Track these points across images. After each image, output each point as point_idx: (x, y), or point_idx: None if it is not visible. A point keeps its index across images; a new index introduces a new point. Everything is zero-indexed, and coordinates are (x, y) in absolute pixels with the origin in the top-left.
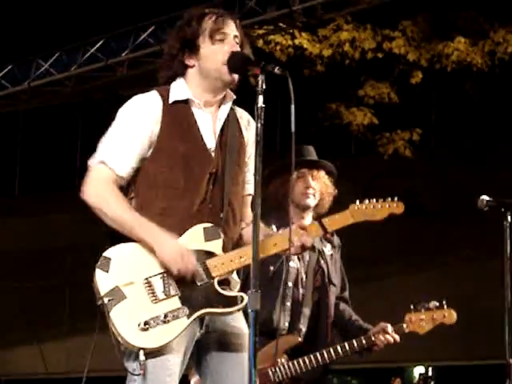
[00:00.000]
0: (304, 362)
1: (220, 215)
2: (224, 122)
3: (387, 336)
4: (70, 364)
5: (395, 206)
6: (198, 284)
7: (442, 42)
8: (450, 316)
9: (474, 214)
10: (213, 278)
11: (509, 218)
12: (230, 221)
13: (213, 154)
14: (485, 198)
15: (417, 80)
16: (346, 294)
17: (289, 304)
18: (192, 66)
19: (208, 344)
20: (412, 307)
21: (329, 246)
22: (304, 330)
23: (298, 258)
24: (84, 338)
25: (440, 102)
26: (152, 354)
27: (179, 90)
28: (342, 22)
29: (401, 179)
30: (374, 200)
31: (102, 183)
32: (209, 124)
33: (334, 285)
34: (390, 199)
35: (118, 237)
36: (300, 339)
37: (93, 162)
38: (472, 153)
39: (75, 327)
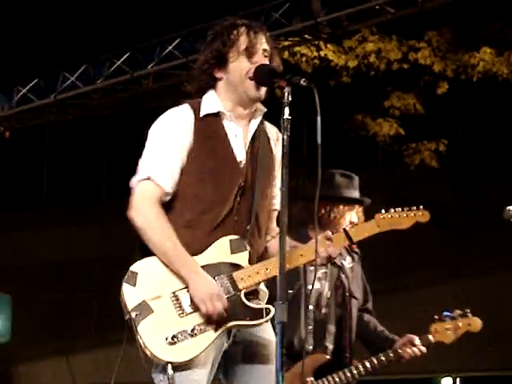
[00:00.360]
0: (333, 380)
1: (246, 227)
2: (254, 135)
3: (414, 348)
4: (97, 376)
5: (420, 215)
6: (225, 296)
7: (468, 52)
8: (475, 324)
9: (499, 225)
10: (239, 291)
11: None
12: (256, 234)
13: (243, 168)
14: (510, 208)
15: (443, 91)
16: (369, 304)
17: (311, 327)
18: (220, 79)
19: (235, 355)
20: (436, 317)
21: (349, 258)
22: (331, 347)
23: (319, 279)
24: (111, 350)
25: (466, 112)
26: (180, 367)
27: (210, 102)
28: (367, 33)
29: (427, 190)
30: (400, 209)
31: (150, 204)
32: (240, 137)
33: (356, 298)
34: (415, 208)
35: (147, 248)
36: (328, 357)
37: (138, 178)
38: (498, 164)
39: (103, 339)
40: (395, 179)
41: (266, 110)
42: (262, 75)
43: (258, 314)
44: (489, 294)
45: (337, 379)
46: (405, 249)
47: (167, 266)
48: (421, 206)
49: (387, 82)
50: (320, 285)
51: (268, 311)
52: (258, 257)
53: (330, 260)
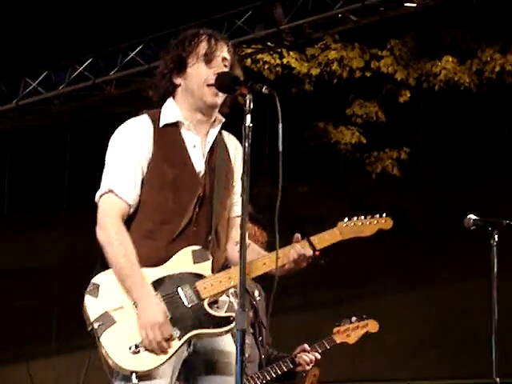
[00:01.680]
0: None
1: (208, 238)
2: (212, 145)
3: (309, 355)
4: (58, 383)
5: (383, 222)
6: (189, 306)
7: (430, 61)
8: (373, 325)
9: (461, 232)
10: (202, 300)
11: (495, 236)
12: (216, 244)
13: (201, 178)
14: (471, 217)
15: (405, 99)
16: (270, 340)
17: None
18: (179, 85)
19: (196, 363)
20: (336, 324)
21: (256, 292)
22: (246, 355)
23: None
24: (72, 357)
25: (428, 120)
26: (143, 377)
27: (169, 112)
28: (330, 40)
29: (389, 198)
30: (362, 216)
31: (111, 220)
32: (198, 147)
33: (265, 327)
34: (377, 215)
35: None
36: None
37: (100, 192)
38: (459, 171)
39: (64, 346)
40: (357, 187)
41: (224, 120)
42: (223, 82)
43: (221, 322)
44: (451, 302)
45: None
46: (367, 256)
47: None
48: (384, 214)
49: (349, 90)
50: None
51: (231, 320)
52: (219, 266)
53: (295, 268)
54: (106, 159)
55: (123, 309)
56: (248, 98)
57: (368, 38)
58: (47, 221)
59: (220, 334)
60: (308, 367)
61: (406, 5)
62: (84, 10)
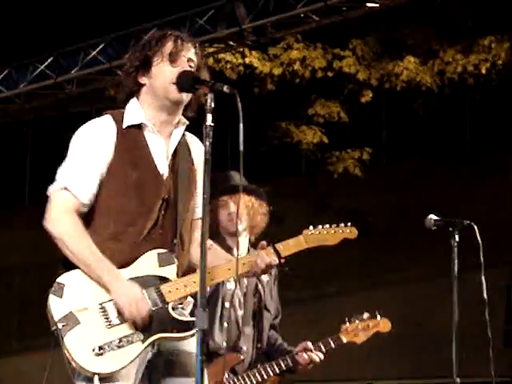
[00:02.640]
0: (245, 380)
1: (173, 241)
2: (176, 147)
3: (310, 353)
4: (18, 381)
5: (348, 232)
6: (153, 309)
7: (392, 61)
8: (385, 324)
9: (422, 233)
10: (167, 303)
11: (456, 237)
12: (181, 246)
13: (165, 180)
14: (432, 217)
15: (367, 99)
16: (277, 320)
17: (226, 324)
18: (144, 85)
19: (159, 365)
20: (346, 319)
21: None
22: (245, 348)
23: (234, 280)
24: (34, 357)
25: (390, 121)
26: (105, 379)
27: (133, 113)
28: (292, 40)
29: (350, 198)
30: (327, 225)
31: (66, 213)
32: (162, 149)
33: (269, 311)
34: (342, 224)
35: (70, 263)
36: (242, 357)
37: (54, 188)
38: (421, 171)
39: (25, 346)
40: (319, 187)
41: (188, 122)
42: (184, 81)
43: (185, 326)
44: (413, 303)
45: (246, 379)
46: (328, 257)
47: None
48: (349, 223)
49: (311, 90)
50: (234, 285)
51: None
52: (183, 269)
53: (263, 272)
54: (66, 158)
55: (88, 310)
56: (209, 97)
57: (330, 38)
58: (8, 219)
59: (184, 338)
60: (308, 367)
61: (368, 5)
62: (45, 9)
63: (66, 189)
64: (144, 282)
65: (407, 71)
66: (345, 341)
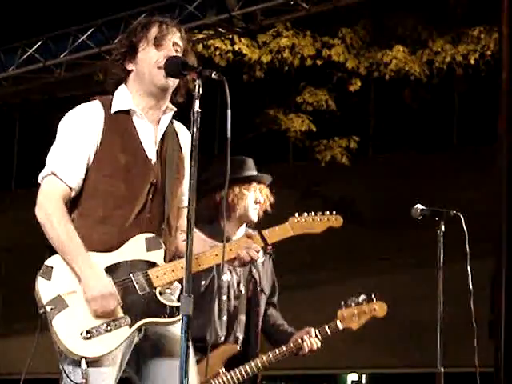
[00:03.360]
0: (241, 372)
1: (161, 226)
2: (164, 134)
3: (312, 340)
4: (4, 365)
5: (334, 220)
6: (140, 294)
7: (381, 50)
8: (381, 308)
9: (410, 221)
10: (154, 288)
11: (442, 226)
12: (168, 232)
13: (153, 165)
14: (419, 206)
15: (355, 88)
16: (275, 299)
17: (225, 318)
18: (131, 71)
19: (146, 349)
20: (342, 303)
21: (261, 253)
22: (241, 337)
23: (230, 271)
24: (19, 339)
25: (378, 110)
26: (92, 363)
27: (121, 99)
28: (281, 28)
29: (338, 186)
30: (313, 213)
31: (51, 199)
32: (150, 134)
33: (265, 293)
34: (328, 212)
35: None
36: (238, 347)
37: (43, 173)
38: (409, 161)
39: (9, 328)
40: (306, 175)
41: (176, 109)
42: (172, 67)
43: (172, 311)
44: (399, 291)
45: (243, 371)
46: (315, 245)
47: None
48: (334, 212)
49: (300, 78)
50: (230, 276)
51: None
52: (171, 255)
53: (250, 262)
54: (54, 143)
55: (76, 293)
56: (197, 83)
57: (320, 26)
58: None
59: (171, 323)
60: (309, 353)
61: None
62: None
63: (53, 174)
64: (131, 266)
65: (396, 60)
66: (341, 327)
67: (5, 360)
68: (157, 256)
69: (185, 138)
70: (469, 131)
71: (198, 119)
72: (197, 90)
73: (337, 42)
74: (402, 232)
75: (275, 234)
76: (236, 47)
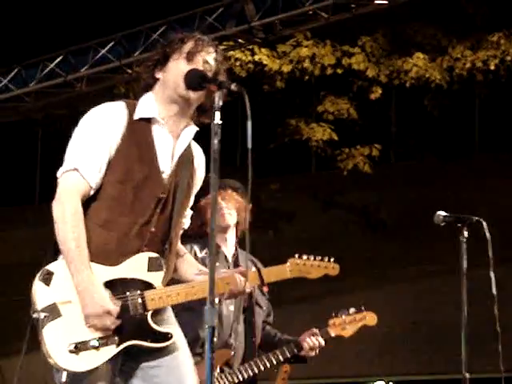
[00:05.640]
0: (240, 372)
1: (164, 244)
2: (183, 151)
3: (313, 338)
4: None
5: (331, 268)
6: (132, 314)
7: (401, 57)
8: (371, 318)
9: (433, 229)
10: (147, 311)
11: (465, 233)
12: (169, 251)
13: (165, 179)
14: (441, 213)
15: (376, 96)
16: (271, 318)
17: (216, 321)
18: (159, 79)
19: (139, 353)
20: (333, 314)
21: (253, 269)
22: (235, 344)
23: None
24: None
25: (399, 117)
26: (76, 376)
27: (146, 106)
28: (301, 37)
29: (360, 194)
30: (312, 258)
31: (71, 198)
32: (168, 147)
33: (261, 307)
34: (327, 259)
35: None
36: (232, 353)
37: (65, 168)
38: (430, 168)
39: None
40: (329, 184)
41: (198, 129)
42: (191, 78)
43: (160, 337)
44: (421, 299)
45: (243, 371)
46: (339, 254)
47: None
48: (332, 259)
49: (321, 87)
50: None
51: (170, 337)
52: (169, 276)
53: (236, 297)
54: (74, 135)
55: (71, 303)
56: (217, 95)
57: (339, 35)
58: (19, 217)
59: (156, 349)
60: (312, 353)
61: (376, 2)
62: (55, 7)
63: (76, 170)
64: (130, 284)
65: (416, 68)
66: (333, 335)
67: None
68: (156, 278)
69: (199, 161)
70: (490, 137)
71: (219, 131)
72: (217, 102)
73: (357, 50)
74: (425, 239)
75: (272, 274)
76: (256, 58)
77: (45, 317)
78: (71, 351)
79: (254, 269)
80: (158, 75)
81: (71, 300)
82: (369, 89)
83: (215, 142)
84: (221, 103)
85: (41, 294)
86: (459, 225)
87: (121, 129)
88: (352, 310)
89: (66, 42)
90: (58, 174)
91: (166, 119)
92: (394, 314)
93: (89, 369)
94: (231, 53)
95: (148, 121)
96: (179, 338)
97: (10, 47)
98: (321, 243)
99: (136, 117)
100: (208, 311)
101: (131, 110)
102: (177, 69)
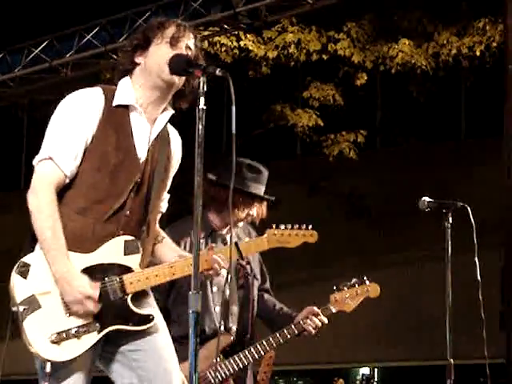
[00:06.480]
0: (240, 359)
1: (141, 227)
2: (158, 134)
3: (315, 319)
4: (12, 367)
5: (309, 235)
6: (112, 299)
7: (387, 43)
8: (374, 289)
9: (417, 215)
10: (127, 294)
11: (450, 219)
12: (146, 235)
13: (142, 164)
14: (426, 199)
15: (361, 82)
16: (267, 285)
17: (218, 309)
18: (139, 64)
19: (118, 337)
20: (334, 288)
21: (247, 239)
22: (235, 327)
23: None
24: None
25: (384, 103)
26: (58, 365)
27: (124, 92)
28: (287, 23)
29: (346, 180)
30: (290, 226)
31: (46, 188)
32: (145, 133)
33: (257, 279)
34: (304, 227)
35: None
36: (232, 337)
37: (40, 157)
38: (416, 154)
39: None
40: (314, 170)
41: (174, 112)
42: (177, 64)
43: (141, 319)
44: (408, 285)
45: (243, 357)
46: (323, 240)
47: None
48: (310, 226)
49: (306, 73)
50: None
51: (151, 318)
52: (147, 259)
53: (216, 275)
54: (51, 122)
55: (50, 294)
56: (202, 80)
57: (325, 20)
58: (4, 203)
59: (138, 332)
60: (314, 332)
61: None
62: None
63: (50, 159)
64: (108, 270)
65: (402, 54)
66: (334, 311)
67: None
68: (133, 260)
69: (176, 144)
70: (475, 123)
71: (204, 116)
72: (201, 87)
73: (342, 36)
74: (411, 225)
75: (250, 247)
76: (242, 43)
77: (24, 309)
78: (53, 341)
79: (247, 239)
80: (138, 60)
81: (50, 290)
82: (354, 75)
83: (200, 127)
84: (205, 88)
85: (19, 287)
86: (444, 210)
87: (97, 116)
88: (354, 280)
89: (51, 28)
90: (34, 162)
91: (145, 105)
92: (379, 301)
93: (71, 357)
94: (217, 38)
95: (126, 107)
96: (159, 321)
97: None
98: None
99: (114, 103)
100: (192, 297)
101: (109, 96)
102: (160, 54)
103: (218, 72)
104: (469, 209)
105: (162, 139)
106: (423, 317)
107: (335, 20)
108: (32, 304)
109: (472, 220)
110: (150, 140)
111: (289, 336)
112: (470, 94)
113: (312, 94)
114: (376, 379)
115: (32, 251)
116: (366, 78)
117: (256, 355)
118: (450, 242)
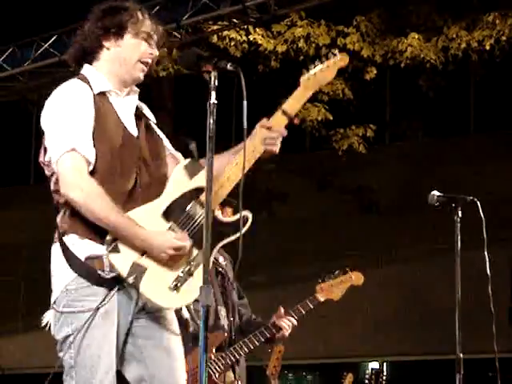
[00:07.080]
0: (228, 356)
1: (159, 195)
2: (135, 111)
3: (286, 321)
4: (24, 360)
5: (341, 62)
6: (202, 223)
7: (396, 38)
8: (357, 277)
9: (426, 209)
10: (212, 211)
11: (459, 213)
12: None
13: (138, 141)
14: (435, 193)
15: (371, 76)
16: (245, 300)
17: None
18: (107, 49)
19: (137, 332)
20: (319, 279)
21: (221, 257)
22: (226, 326)
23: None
24: (39, 334)
25: (394, 97)
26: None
27: (98, 80)
28: (296, 17)
29: (355, 175)
30: (318, 60)
31: (83, 176)
32: (128, 112)
33: (234, 288)
34: (332, 53)
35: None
36: (226, 334)
37: (60, 151)
38: (425, 148)
39: (31, 324)
40: (323, 165)
41: (138, 90)
42: (188, 59)
43: (236, 225)
44: (417, 280)
45: (230, 355)
46: (333, 234)
47: (139, 220)
48: (336, 51)
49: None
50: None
51: (246, 219)
52: None
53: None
54: (52, 118)
55: (147, 253)
56: (213, 75)
57: (334, 15)
58: (14, 197)
59: (156, 319)
60: (287, 333)
61: None
62: None
63: (74, 150)
64: (184, 200)
65: (411, 48)
66: (322, 299)
67: (31, 355)
68: (201, 179)
69: (145, 110)
70: (485, 117)
71: (215, 111)
72: (212, 82)
73: (352, 30)
74: (420, 219)
75: (294, 101)
76: (251, 38)
77: (134, 279)
78: (173, 289)
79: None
80: (108, 45)
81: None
82: (364, 69)
83: (211, 121)
84: (216, 83)
85: (118, 263)
86: (453, 205)
87: (91, 103)
88: (337, 272)
89: (60, 22)
90: (53, 158)
91: (118, 87)
92: (388, 295)
93: (196, 296)
94: (226, 33)
95: (104, 93)
96: (173, 322)
97: (5, 27)
98: (315, 223)
99: (96, 91)
100: (203, 291)
101: (88, 84)
102: (136, 49)
103: (229, 66)
104: (478, 203)
105: (139, 113)
106: (433, 311)
107: (344, 14)
108: (138, 269)
109: (481, 214)
110: (131, 119)
111: (268, 334)
112: (480, 88)
113: (321, 88)
114: (385, 373)
115: (62, 245)
116: (375, 72)
117: (241, 353)
118: (459, 237)
